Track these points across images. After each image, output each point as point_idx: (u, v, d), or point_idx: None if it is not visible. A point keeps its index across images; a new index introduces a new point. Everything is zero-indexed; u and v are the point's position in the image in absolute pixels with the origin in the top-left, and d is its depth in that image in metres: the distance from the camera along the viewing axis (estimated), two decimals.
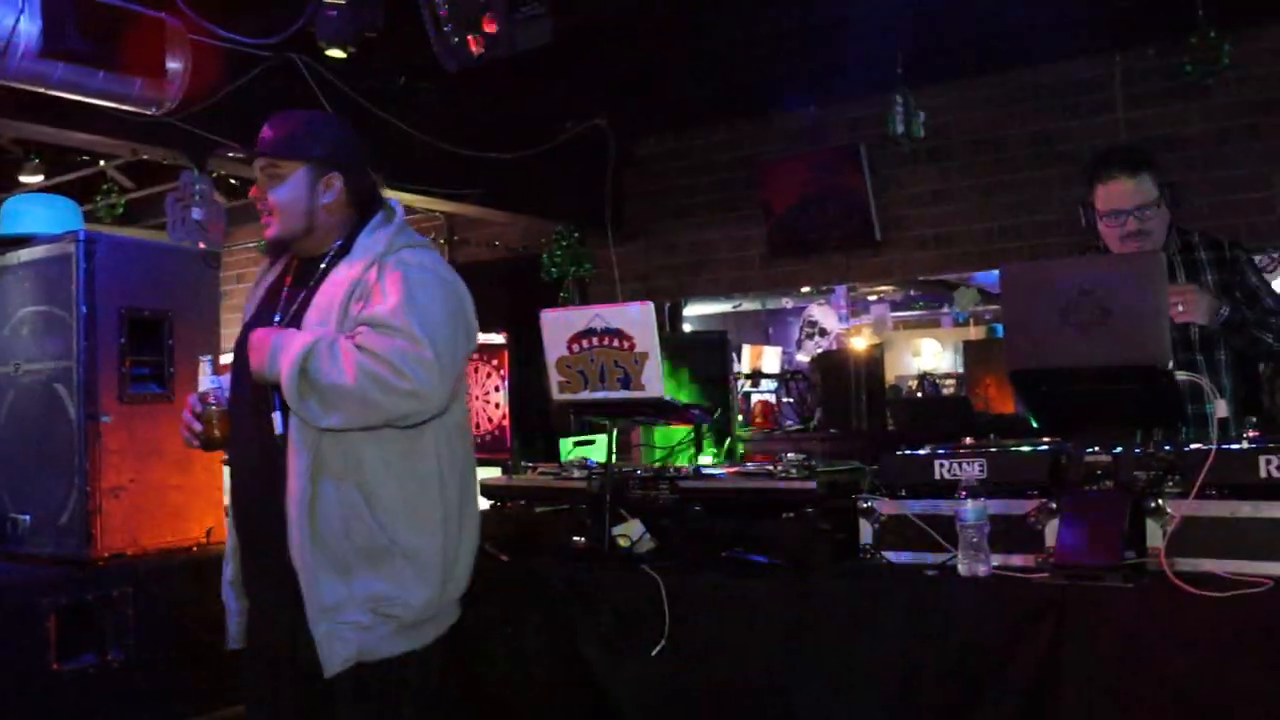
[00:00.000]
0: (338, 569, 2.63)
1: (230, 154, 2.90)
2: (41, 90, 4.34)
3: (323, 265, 2.82)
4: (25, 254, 3.66)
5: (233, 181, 6.89)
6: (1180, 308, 3.29)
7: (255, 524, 2.76)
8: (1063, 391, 2.80)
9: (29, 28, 4.04)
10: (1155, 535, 2.66)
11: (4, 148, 6.94)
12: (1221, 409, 2.96)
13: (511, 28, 4.31)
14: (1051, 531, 2.79)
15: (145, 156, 5.62)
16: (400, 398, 2.60)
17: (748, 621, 2.99)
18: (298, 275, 2.87)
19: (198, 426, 2.77)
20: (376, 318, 2.64)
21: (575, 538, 3.35)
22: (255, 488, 2.75)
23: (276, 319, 2.80)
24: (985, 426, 4.01)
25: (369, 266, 2.73)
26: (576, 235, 7.83)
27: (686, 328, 9.08)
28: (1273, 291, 3.68)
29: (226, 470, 2.93)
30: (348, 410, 2.60)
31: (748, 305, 12.17)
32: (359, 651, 2.65)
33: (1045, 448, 3.00)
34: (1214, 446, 2.67)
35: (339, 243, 2.84)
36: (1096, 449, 2.84)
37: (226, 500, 2.92)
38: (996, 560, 2.80)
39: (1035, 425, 2.94)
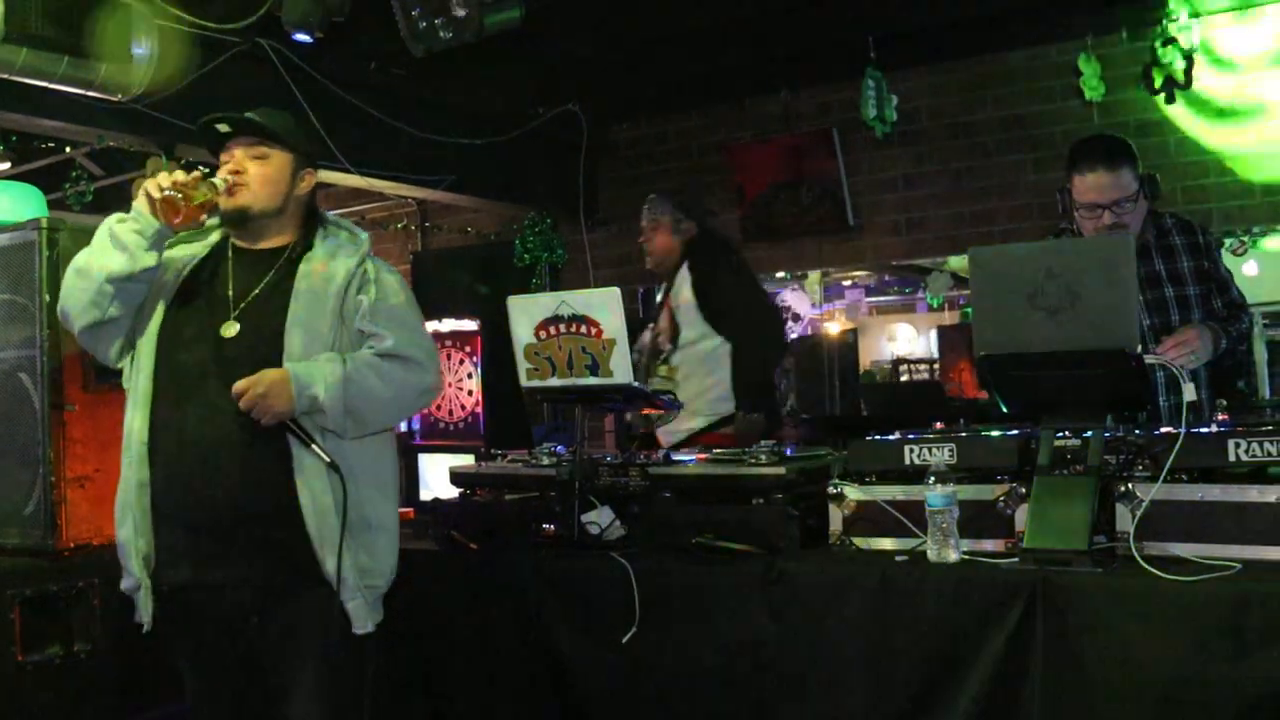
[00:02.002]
0: (335, 544, 2.69)
1: (219, 125, 2.87)
2: (5, 76, 4.29)
3: (283, 256, 2.88)
4: None
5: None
6: (1192, 356, 3.33)
7: (232, 500, 2.68)
8: (1031, 376, 2.80)
9: None
10: (1125, 519, 2.67)
11: None
12: (1190, 392, 2.96)
13: (480, 11, 4.28)
14: (1021, 516, 2.79)
15: (113, 143, 5.57)
16: (428, 393, 2.93)
17: (718, 608, 2.98)
18: (246, 263, 2.88)
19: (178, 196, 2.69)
20: (391, 310, 2.84)
21: (544, 525, 3.34)
22: (230, 480, 2.69)
23: (232, 307, 2.80)
24: (957, 412, 4.01)
25: (362, 262, 2.88)
26: (549, 221, 7.81)
27: None
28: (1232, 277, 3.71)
29: (140, 440, 2.76)
30: (386, 420, 2.88)
31: None
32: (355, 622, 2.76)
33: (1014, 433, 3.00)
34: (1183, 430, 2.68)
35: (293, 239, 2.92)
36: (1066, 433, 2.84)
37: (135, 475, 2.75)
38: (966, 546, 2.80)
39: (1004, 410, 2.93)
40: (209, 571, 2.71)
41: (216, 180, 2.80)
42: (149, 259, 2.74)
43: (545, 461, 3.56)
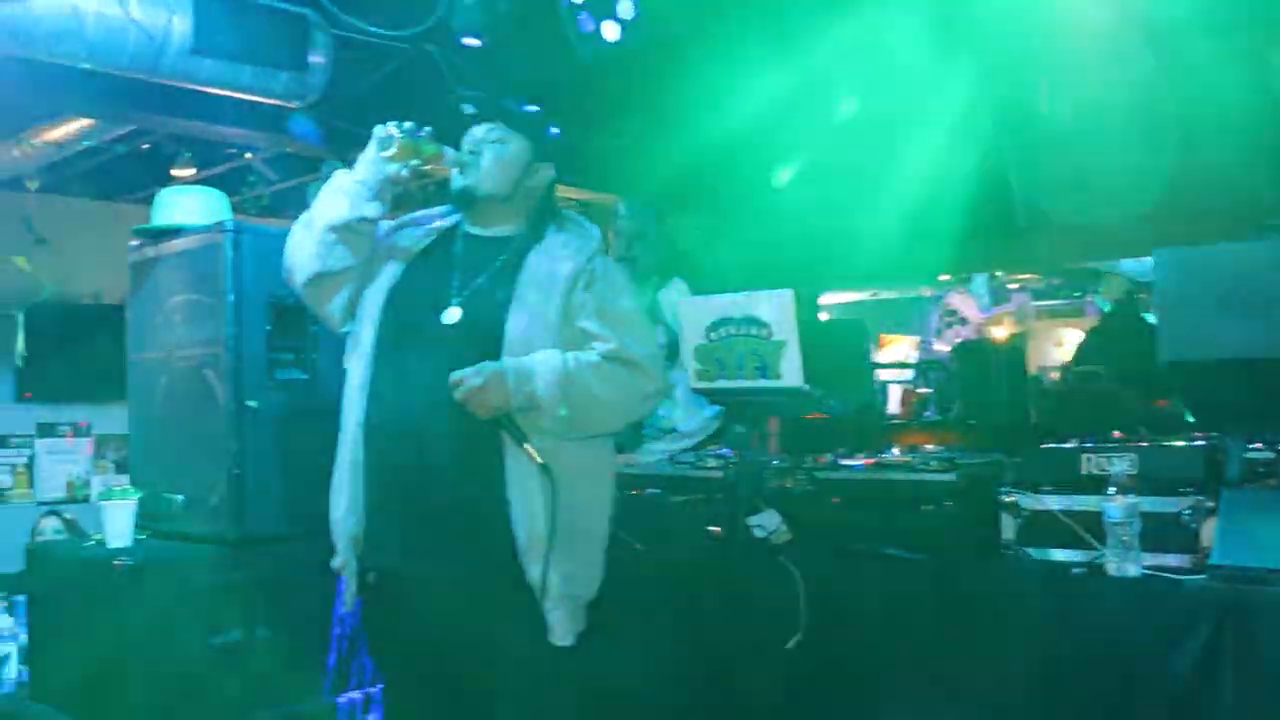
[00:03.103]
0: (542, 550, 2.59)
1: (465, 104, 2.91)
2: (192, 86, 4.47)
3: (511, 245, 2.81)
4: (178, 244, 3.76)
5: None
6: None
7: (443, 491, 2.62)
8: (1222, 384, 2.68)
9: (181, 26, 4.15)
10: None
11: (157, 143, 7.16)
12: None
13: (647, 13, 4.29)
14: (1208, 531, 2.68)
15: (289, 149, 5.74)
16: (650, 399, 2.79)
17: (886, 617, 2.94)
18: (474, 247, 2.83)
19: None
20: (617, 310, 2.74)
21: (711, 527, 3.33)
22: (441, 472, 2.62)
23: (456, 291, 2.74)
24: (1134, 420, 3.86)
25: (592, 257, 2.78)
26: (717, 224, 7.79)
27: (822, 316, 8.96)
28: None
29: (356, 421, 2.73)
30: (606, 424, 2.74)
31: (885, 294, 11.98)
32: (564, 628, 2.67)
33: (1201, 443, 2.88)
34: None
35: (522, 229, 2.85)
36: (1258, 445, 2.72)
37: (350, 455, 2.73)
38: (1147, 560, 2.70)
39: (1191, 419, 2.82)
40: (414, 561, 2.64)
41: (451, 152, 2.78)
42: (369, 209, 2.73)
43: (711, 463, 3.55)
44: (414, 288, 2.79)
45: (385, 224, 2.90)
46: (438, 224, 2.93)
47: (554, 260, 2.75)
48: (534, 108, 2.97)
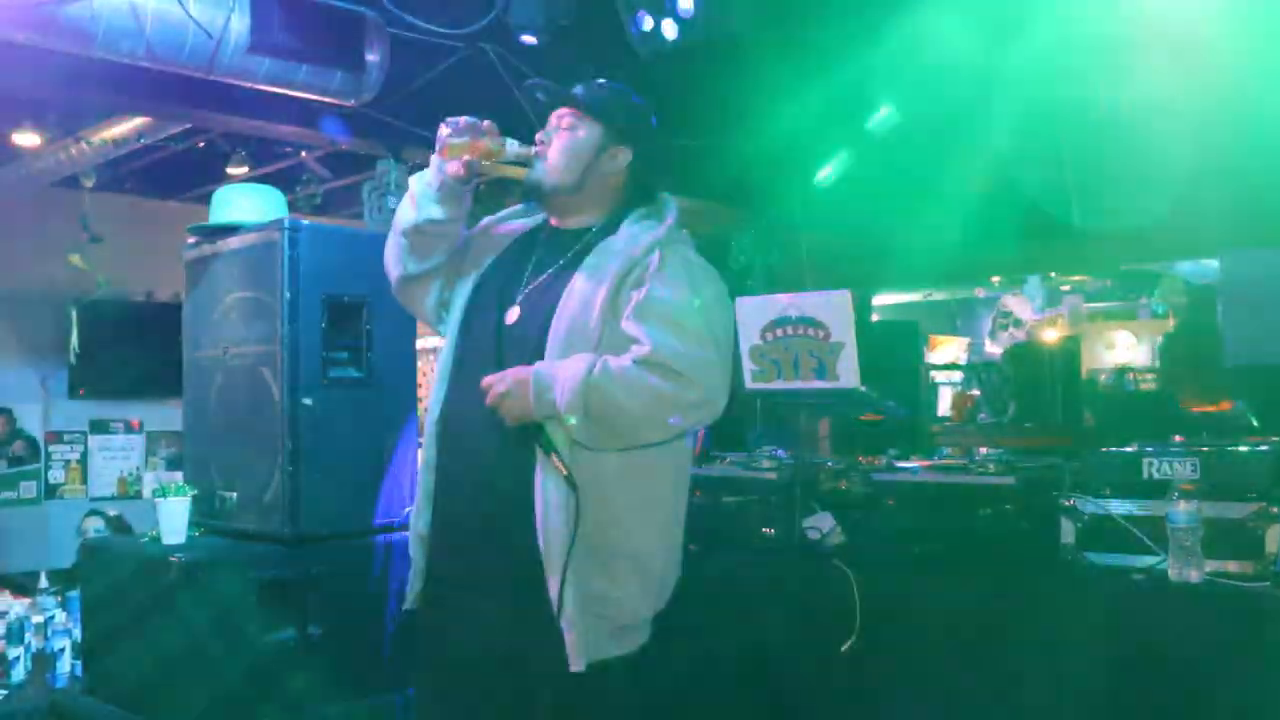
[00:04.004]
0: (560, 565, 2.43)
1: (537, 93, 2.75)
2: (248, 85, 4.50)
3: (584, 239, 2.66)
4: (234, 241, 3.78)
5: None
6: None
7: (485, 498, 2.54)
8: None
9: (239, 25, 4.19)
10: None
11: (212, 142, 7.24)
12: None
13: (706, 10, 4.27)
14: (1273, 538, 2.63)
15: (344, 147, 5.78)
16: (692, 409, 2.47)
17: (941, 622, 2.91)
18: (550, 242, 2.72)
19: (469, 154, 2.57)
20: (663, 309, 2.48)
21: (764, 529, 3.32)
22: (487, 477, 2.55)
23: (521, 289, 2.64)
24: (1193, 424, 3.81)
25: (650, 250, 2.55)
26: (766, 222, 7.75)
27: (874, 318, 8.91)
28: None
29: (433, 419, 2.68)
30: (638, 436, 2.48)
31: (937, 295, 11.90)
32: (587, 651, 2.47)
33: (1266, 448, 2.83)
34: None
35: (601, 220, 2.69)
36: None
37: (425, 454, 2.69)
38: (1210, 566, 2.66)
39: (1256, 424, 2.77)
40: (468, 569, 2.57)
41: (514, 146, 2.63)
42: (435, 210, 2.64)
43: (765, 464, 3.53)
44: (491, 285, 2.71)
45: (489, 218, 2.86)
46: (529, 219, 2.84)
47: (611, 255, 2.57)
48: (609, 86, 2.75)
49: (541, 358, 2.48)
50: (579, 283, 2.54)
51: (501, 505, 2.51)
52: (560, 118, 2.68)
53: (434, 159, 2.64)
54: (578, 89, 2.70)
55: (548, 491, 2.45)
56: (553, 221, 2.75)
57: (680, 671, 3.31)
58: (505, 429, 2.47)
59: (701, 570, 3.30)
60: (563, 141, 2.65)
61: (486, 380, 2.47)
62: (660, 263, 2.54)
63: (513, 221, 2.84)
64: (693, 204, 7.62)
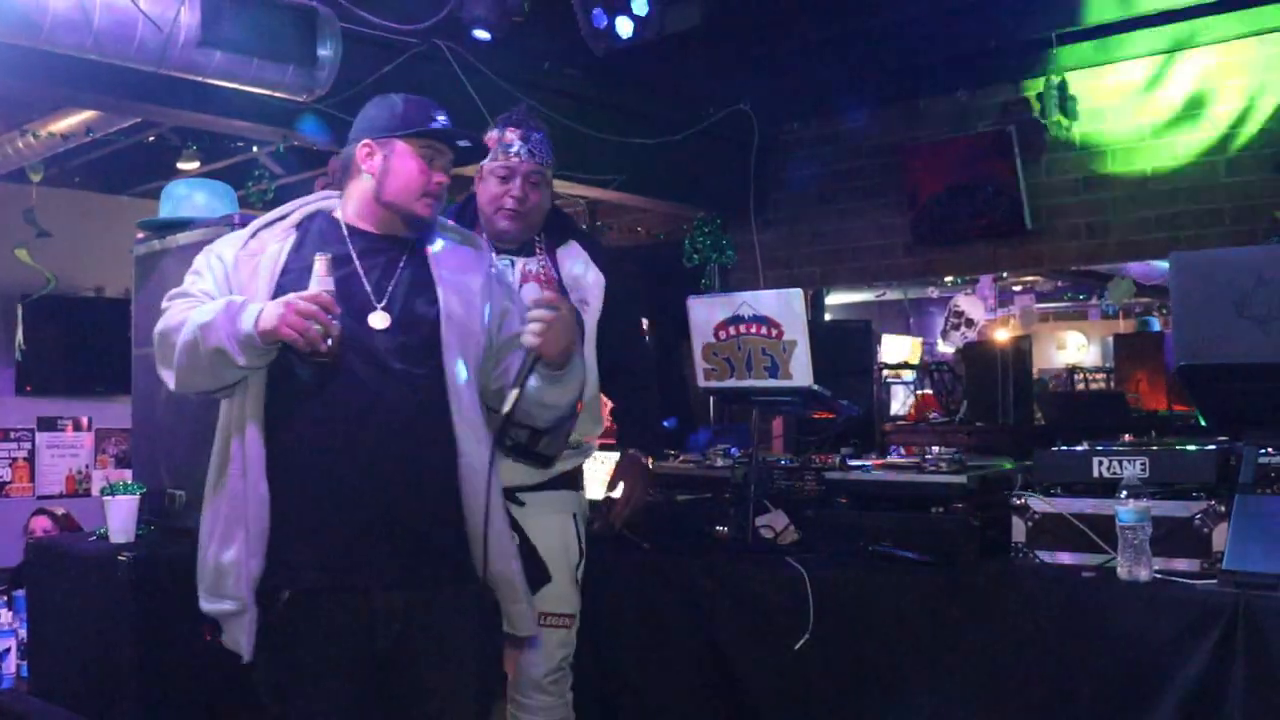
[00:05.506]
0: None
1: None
2: (199, 79, 4.45)
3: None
4: (184, 237, 3.73)
5: None
6: None
7: (407, 496, 2.46)
8: (1235, 388, 2.66)
9: (189, 19, 4.14)
10: None
11: (162, 136, 7.15)
12: None
13: (660, 10, 4.27)
14: (1220, 536, 2.66)
15: (296, 143, 5.73)
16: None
17: (894, 619, 2.92)
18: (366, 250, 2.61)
19: (324, 341, 2.34)
20: None
21: (718, 527, 3.32)
22: (403, 453, 2.46)
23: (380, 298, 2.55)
24: (1141, 424, 3.85)
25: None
26: (719, 222, 7.77)
27: (827, 317, 8.96)
28: None
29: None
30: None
31: (891, 294, 11.98)
32: None
33: (1214, 447, 2.87)
34: None
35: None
36: (1271, 450, 2.70)
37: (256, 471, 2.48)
38: (1158, 564, 2.68)
39: (1203, 423, 2.80)
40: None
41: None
42: (258, 361, 2.45)
43: (719, 463, 3.53)
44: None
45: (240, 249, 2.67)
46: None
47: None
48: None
49: (437, 352, 2.49)
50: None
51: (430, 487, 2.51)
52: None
53: (290, 316, 2.34)
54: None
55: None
56: (359, 225, 2.64)
57: (631, 668, 3.31)
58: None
59: (653, 568, 3.31)
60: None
61: (550, 296, 2.58)
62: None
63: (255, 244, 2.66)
64: (645, 202, 7.64)
